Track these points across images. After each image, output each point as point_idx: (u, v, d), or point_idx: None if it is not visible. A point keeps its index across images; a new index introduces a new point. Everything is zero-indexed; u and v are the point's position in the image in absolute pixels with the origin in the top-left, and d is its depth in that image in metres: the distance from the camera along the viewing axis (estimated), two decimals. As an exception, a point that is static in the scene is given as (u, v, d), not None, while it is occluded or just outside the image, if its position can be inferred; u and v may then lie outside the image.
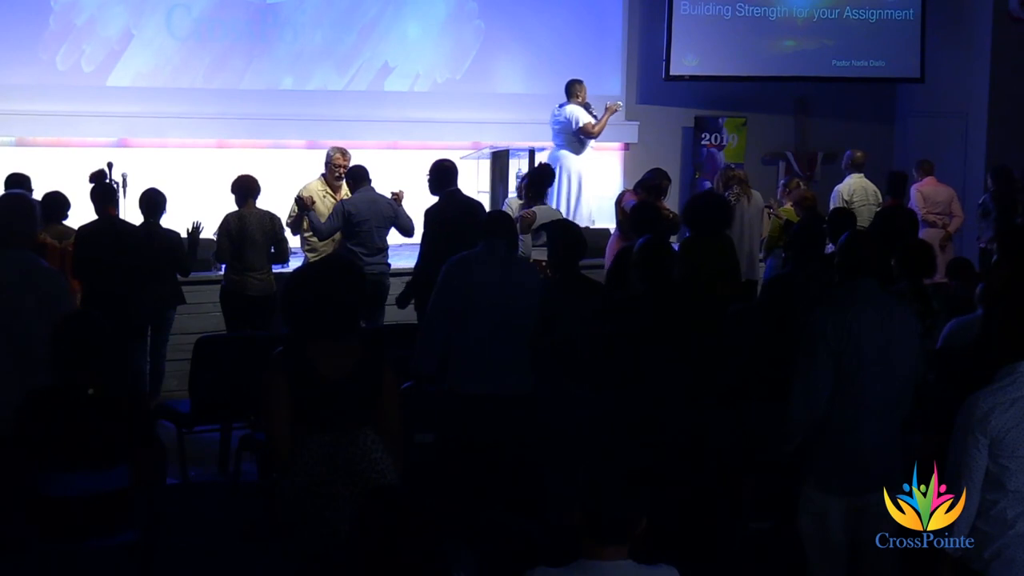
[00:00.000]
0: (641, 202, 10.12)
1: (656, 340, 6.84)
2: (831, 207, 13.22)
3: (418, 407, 7.46)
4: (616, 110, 14.11)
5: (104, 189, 10.52)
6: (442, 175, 10.19)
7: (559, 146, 13.88)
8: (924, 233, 13.14)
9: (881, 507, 5.96)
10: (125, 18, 13.81)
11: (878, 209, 12.56)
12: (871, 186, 13.36)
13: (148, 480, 5.62)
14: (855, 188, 13.31)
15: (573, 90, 13.99)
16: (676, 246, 9.19)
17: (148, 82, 13.89)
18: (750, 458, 6.89)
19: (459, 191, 10.33)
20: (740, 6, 15.82)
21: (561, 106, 13.90)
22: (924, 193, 13.86)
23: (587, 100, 13.99)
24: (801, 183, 13.60)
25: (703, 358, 6.92)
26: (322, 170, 11.56)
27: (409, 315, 10.54)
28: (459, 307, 7.34)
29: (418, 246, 10.28)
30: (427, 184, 10.29)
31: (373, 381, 5.44)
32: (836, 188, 13.52)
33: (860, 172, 13.48)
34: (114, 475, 5.38)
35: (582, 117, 13.77)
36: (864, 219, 12.63)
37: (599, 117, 13.85)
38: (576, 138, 13.80)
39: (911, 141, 17.05)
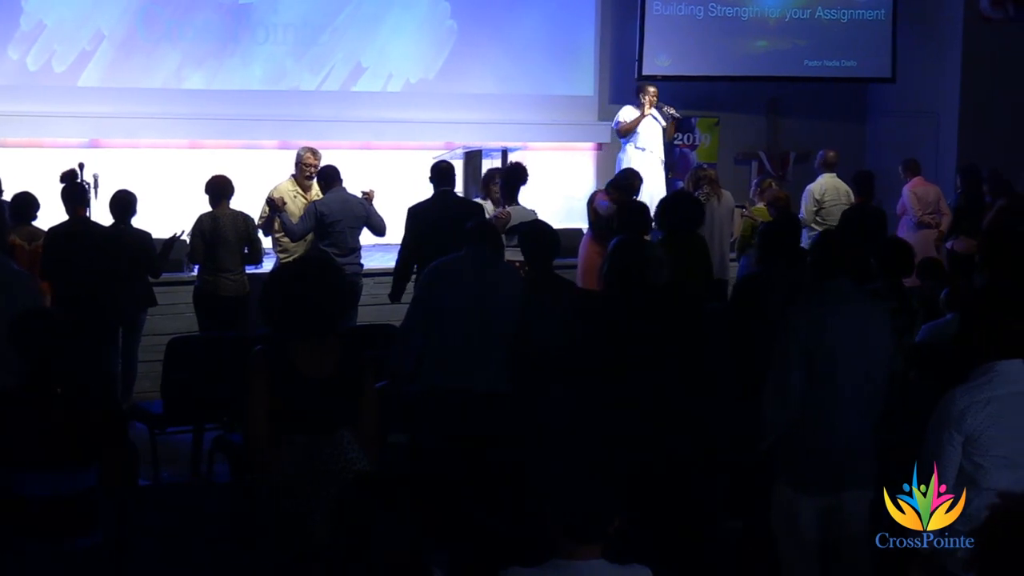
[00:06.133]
0: (631, 201, 10.11)
1: (632, 340, 6.84)
2: (802, 207, 13.29)
3: (393, 407, 7.46)
4: (643, 113, 14.26)
5: (74, 190, 10.48)
6: (433, 175, 10.63)
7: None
8: (920, 235, 13.18)
9: (854, 505, 6.01)
10: (96, 18, 13.75)
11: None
12: (843, 185, 13.39)
13: (118, 481, 5.58)
14: (827, 187, 13.35)
15: (637, 92, 14.44)
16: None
17: (119, 82, 13.84)
18: (723, 457, 6.90)
19: (451, 192, 10.61)
20: (712, 6, 15.83)
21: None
22: (918, 194, 13.84)
23: (652, 100, 14.24)
24: (773, 183, 13.64)
25: (679, 358, 6.93)
26: (293, 171, 11.55)
27: (384, 315, 10.54)
28: (439, 307, 7.39)
29: (389, 246, 10.36)
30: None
31: (353, 381, 5.44)
32: (808, 188, 13.55)
33: (832, 172, 13.52)
34: (80, 476, 5.34)
35: (620, 116, 14.21)
36: (836, 218, 12.67)
37: (668, 119, 14.36)
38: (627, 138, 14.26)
39: (883, 141, 17.10)
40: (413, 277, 10.05)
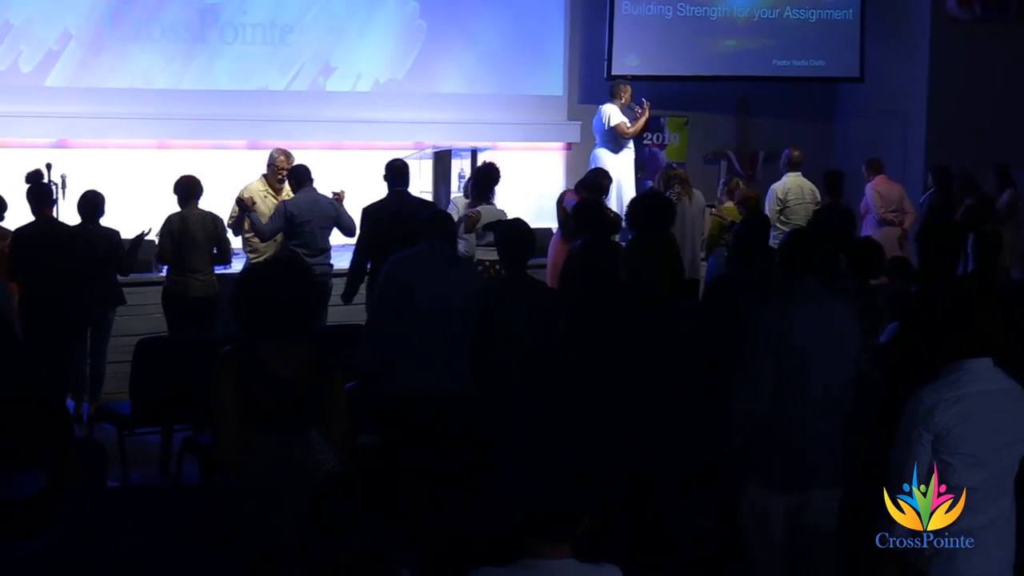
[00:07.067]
0: (584, 200, 10.12)
1: (604, 340, 6.84)
2: (767, 206, 13.31)
3: (362, 408, 7.45)
4: (648, 114, 14.59)
5: (40, 190, 10.45)
6: (387, 174, 10.55)
7: (597, 145, 14.46)
8: (882, 232, 13.22)
9: (823, 504, 6.02)
10: (64, 18, 13.70)
11: (815, 207, 12.65)
12: (808, 184, 13.43)
13: (70, 484, 5.52)
14: (790, 187, 13.37)
15: (615, 91, 14.58)
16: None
17: (87, 82, 13.79)
18: (693, 456, 6.91)
19: (405, 192, 10.52)
20: (681, 6, 15.87)
21: (601, 105, 14.48)
22: (880, 192, 13.92)
23: (631, 102, 14.49)
24: (741, 182, 13.67)
25: (649, 358, 6.93)
26: (263, 170, 11.53)
27: (354, 315, 10.52)
28: (401, 305, 7.38)
29: (360, 246, 10.36)
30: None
31: (323, 381, 5.43)
32: (772, 187, 13.57)
33: (797, 171, 13.54)
34: (25, 479, 5.27)
35: (614, 117, 14.30)
36: (800, 217, 12.74)
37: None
38: (612, 138, 14.28)
39: (851, 140, 17.16)
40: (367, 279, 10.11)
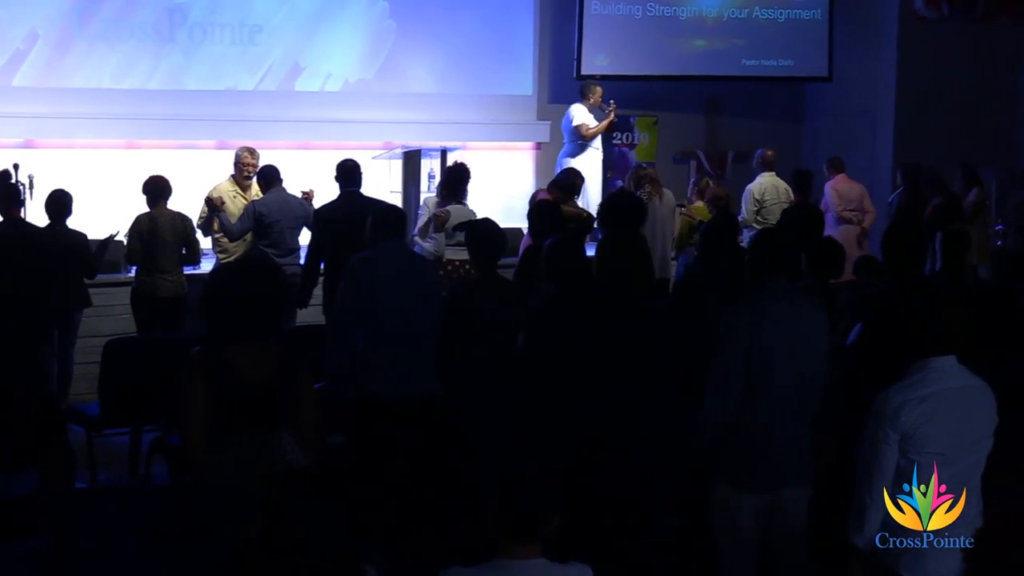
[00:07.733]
0: (540, 202, 10.14)
1: (575, 341, 6.84)
2: (743, 207, 13.35)
3: (331, 408, 7.43)
4: (613, 117, 14.75)
5: (8, 190, 10.41)
6: (339, 174, 10.55)
7: (565, 143, 14.63)
8: (841, 230, 13.29)
9: (792, 503, 6.04)
10: (31, 17, 13.62)
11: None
12: (782, 184, 13.48)
13: (57, 483, 5.52)
14: (766, 187, 13.43)
15: (585, 91, 14.75)
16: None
17: (55, 82, 13.72)
18: (663, 456, 6.91)
19: (357, 192, 10.46)
20: (650, 6, 15.91)
21: (570, 105, 14.64)
22: (839, 191, 14.00)
23: (601, 102, 14.65)
24: (711, 182, 13.71)
25: (621, 357, 6.93)
26: (232, 171, 11.50)
27: (322, 315, 10.51)
28: (366, 305, 7.35)
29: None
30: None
31: (291, 382, 5.42)
32: (748, 187, 13.62)
33: (771, 171, 13.59)
34: (17, 480, 5.28)
35: (577, 117, 14.43)
36: (776, 217, 12.75)
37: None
38: (577, 138, 14.44)
39: (820, 140, 17.23)
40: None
